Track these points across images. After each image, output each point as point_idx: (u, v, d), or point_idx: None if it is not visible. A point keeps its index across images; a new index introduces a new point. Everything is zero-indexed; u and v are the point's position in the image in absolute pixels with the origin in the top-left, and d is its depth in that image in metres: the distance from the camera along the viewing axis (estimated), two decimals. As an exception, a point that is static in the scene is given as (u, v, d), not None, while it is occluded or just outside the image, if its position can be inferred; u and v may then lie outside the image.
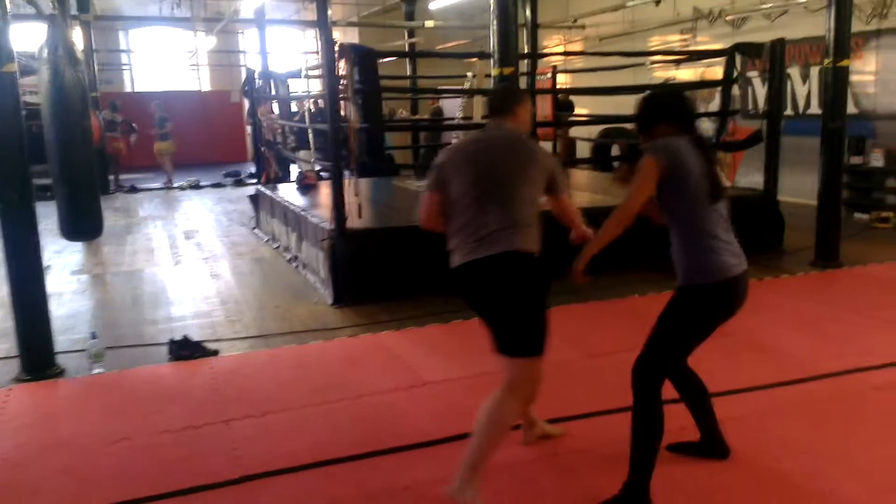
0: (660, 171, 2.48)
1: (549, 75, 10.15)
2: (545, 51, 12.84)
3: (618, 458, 2.94)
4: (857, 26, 7.10)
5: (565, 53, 12.80)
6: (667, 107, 2.69)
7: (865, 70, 8.76)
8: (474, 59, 7.93)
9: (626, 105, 9.32)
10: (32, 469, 3.02)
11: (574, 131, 11.12)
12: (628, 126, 11.81)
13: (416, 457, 3.05)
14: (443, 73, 11.75)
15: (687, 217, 2.54)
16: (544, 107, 9.29)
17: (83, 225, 4.97)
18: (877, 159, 8.59)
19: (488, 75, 5.07)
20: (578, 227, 2.95)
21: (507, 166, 2.63)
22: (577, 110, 11.19)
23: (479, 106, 7.34)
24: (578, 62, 12.86)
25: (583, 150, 12.05)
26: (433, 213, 2.73)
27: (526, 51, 10.42)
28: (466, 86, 8.35)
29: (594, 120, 11.32)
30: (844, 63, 6.02)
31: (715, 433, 2.88)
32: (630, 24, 12.40)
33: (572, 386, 3.75)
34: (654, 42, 12.08)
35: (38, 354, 4.11)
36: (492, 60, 4.93)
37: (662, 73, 11.54)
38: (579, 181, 8.95)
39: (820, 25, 6.44)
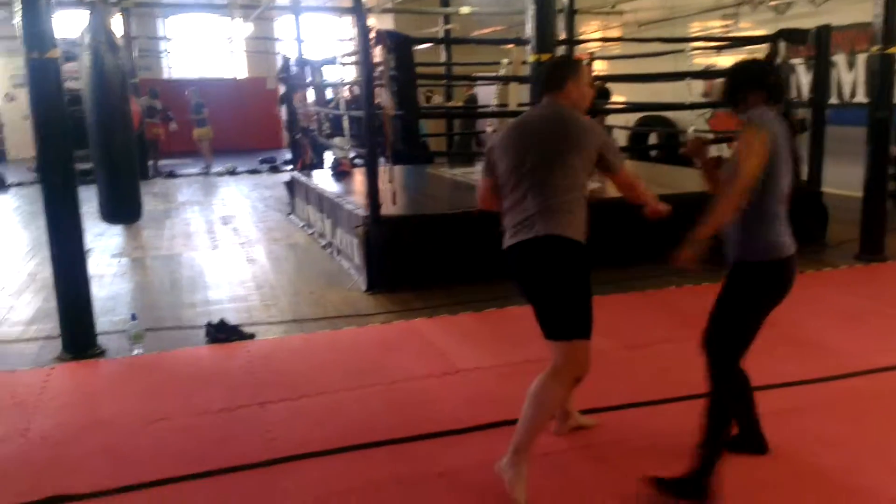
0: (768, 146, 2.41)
1: (586, 62, 10.01)
2: (582, 37, 12.66)
3: (650, 449, 2.93)
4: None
5: (603, 40, 12.62)
6: (760, 76, 2.59)
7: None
8: (510, 46, 7.84)
9: (665, 92, 9.18)
10: (73, 447, 3.09)
11: (611, 119, 10.97)
12: (666, 114, 11.67)
13: (449, 444, 3.05)
14: (478, 59, 11.66)
15: (763, 195, 2.46)
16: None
17: (123, 209, 5.06)
18: (925, 150, 8.33)
19: (525, 62, 5.02)
20: (649, 202, 2.90)
21: (546, 149, 2.59)
22: (615, 98, 11.03)
23: (514, 93, 7.27)
24: (616, 49, 12.67)
25: (620, 138, 11.89)
26: (486, 196, 2.81)
27: (563, 37, 10.29)
28: (501, 73, 8.26)
29: (631, 108, 11.15)
30: (892, 51, 5.83)
31: (755, 428, 2.82)
32: (670, 9, 12.16)
33: (606, 377, 3.70)
34: (695, 28, 11.84)
35: (79, 335, 4.20)
36: (528, 47, 4.87)
37: (703, 60, 11.31)
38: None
39: (868, 11, 6.24)
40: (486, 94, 11.44)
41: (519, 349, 4.04)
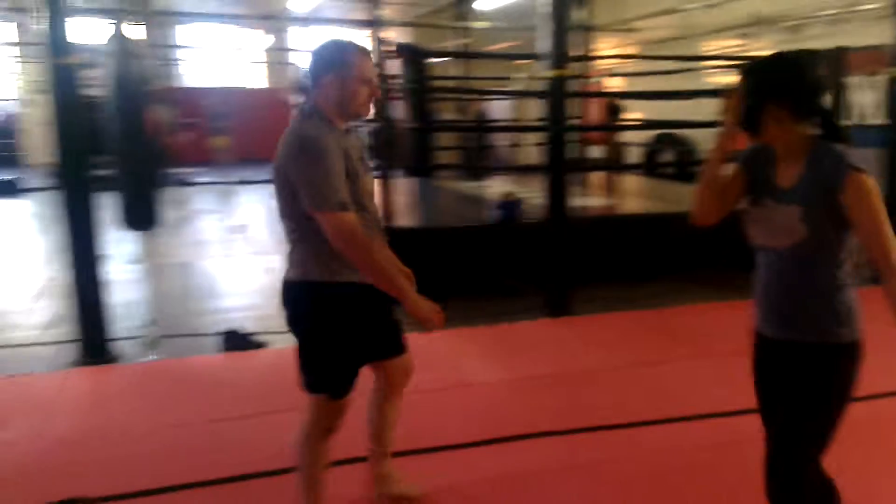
0: None
1: (600, 79, 10.06)
2: (597, 53, 12.72)
3: (643, 472, 2.93)
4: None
5: (616, 56, 12.67)
6: (785, 82, 1.83)
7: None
8: (524, 62, 7.91)
9: (679, 110, 9.21)
10: (90, 450, 3.12)
11: (625, 136, 11.00)
12: (680, 132, 11.69)
13: (455, 458, 3.06)
14: (490, 74, 11.74)
15: (841, 249, 1.84)
16: (595, 111, 9.21)
17: (141, 216, 5.13)
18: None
19: (540, 78, 5.05)
20: (404, 296, 2.27)
21: (277, 173, 2.16)
22: (630, 115, 11.07)
23: (531, 107, 7.33)
24: (630, 66, 12.72)
25: (634, 155, 11.92)
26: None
27: (577, 53, 10.35)
28: (515, 87, 8.34)
29: (644, 125, 11.19)
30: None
31: None
32: (685, 28, 12.21)
33: (605, 396, 3.72)
34: (709, 47, 11.88)
35: (95, 339, 4.25)
36: (544, 62, 4.91)
37: (717, 79, 11.34)
38: (629, 186, 8.86)
39: (883, 34, 6.25)
40: (499, 109, 11.52)
41: (531, 364, 4.05)
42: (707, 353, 4.27)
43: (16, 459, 3.01)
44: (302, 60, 14.87)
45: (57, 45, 3.96)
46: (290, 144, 2.12)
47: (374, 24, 6.11)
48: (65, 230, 4.17)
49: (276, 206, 2.22)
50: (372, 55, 2.29)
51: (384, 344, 2.44)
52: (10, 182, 12.54)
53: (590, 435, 3.26)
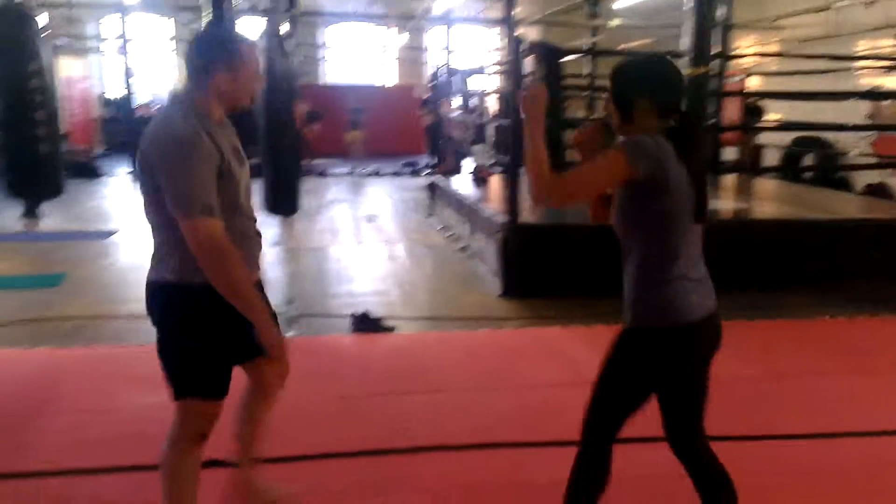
0: (631, 172, 1.92)
1: (740, 78, 9.66)
2: (737, 52, 12.19)
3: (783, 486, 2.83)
4: None
5: (760, 55, 12.08)
6: (645, 80, 2.02)
7: None
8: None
9: (824, 112, 8.69)
10: (226, 418, 3.39)
11: (763, 138, 10.50)
12: (824, 135, 11.01)
13: (572, 455, 3.08)
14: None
15: (652, 240, 2.00)
16: (733, 111, 8.87)
17: (284, 202, 5.48)
18: None
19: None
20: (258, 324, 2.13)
21: (139, 160, 2.06)
22: (770, 116, 10.55)
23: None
24: (773, 65, 12.09)
25: (772, 158, 11.35)
26: None
27: (718, 51, 9.99)
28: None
29: (784, 126, 10.63)
30: None
31: None
32: (834, 26, 11.46)
33: (743, 406, 3.62)
34: (862, 46, 11.09)
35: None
36: (682, 61, 4.82)
37: (870, 80, 10.59)
38: (766, 189, 8.46)
39: None
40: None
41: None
42: (864, 368, 4.09)
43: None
44: (434, 59, 15.21)
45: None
46: (159, 140, 2.00)
47: (508, 22, 6.19)
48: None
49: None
50: (254, 46, 2.22)
51: (252, 344, 2.18)
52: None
53: (724, 444, 3.18)
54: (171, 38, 18.02)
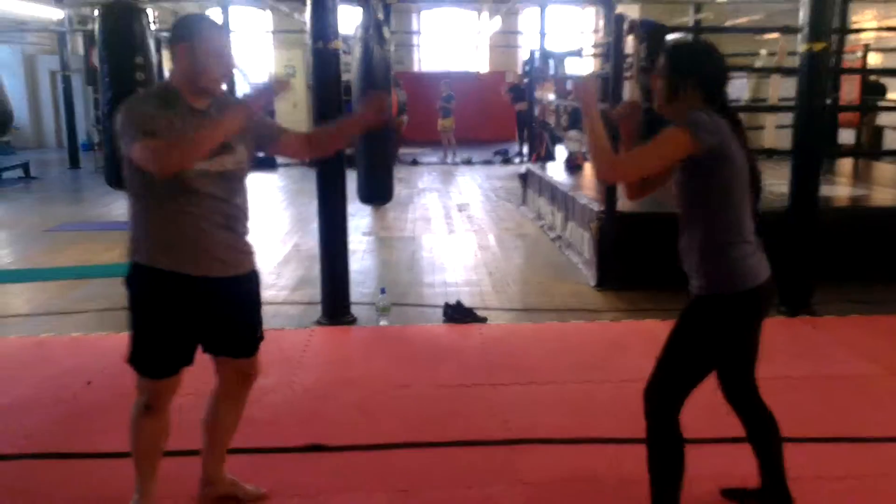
0: (694, 146, 2.05)
1: (860, 54, 9.00)
2: (856, 26, 11.38)
3: None
4: None
5: (881, 29, 11.23)
6: (696, 62, 2.17)
7: None
8: (767, 36, 7.30)
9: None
10: (330, 402, 3.44)
11: (884, 119, 9.77)
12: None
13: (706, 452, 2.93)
14: (728, 50, 10.97)
15: (719, 211, 2.14)
16: (850, 89, 8.27)
17: (377, 192, 5.52)
18: None
19: (792, 52, 4.62)
20: (344, 126, 2.51)
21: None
22: (892, 95, 9.80)
23: (775, 86, 6.76)
24: (895, 40, 11.21)
25: (893, 140, 10.55)
26: None
27: (834, 25, 9.34)
28: (758, 64, 7.72)
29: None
30: None
31: (778, 481, 2.40)
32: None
33: (867, 405, 3.36)
34: None
35: (336, 303, 4.66)
36: (798, 35, 4.49)
37: None
38: (885, 176, 7.86)
39: None
40: (738, 88, 10.75)
41: (778, 364, 3.77)
42: None
43: (271, 404, 3.39)
44: (529, 43, 14.97)
45: (321, 30, 4.32)
46: (118, 111, 2.13)
47: (606, 1, 5.97)
48: (318, 202, 4.59)
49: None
50: (224, 30, 2.23)
51: (204, 339, 2.34)
52: (270, 158, 14.03)
53: (852, 446, 3.00)
54: (270, 31, 18.56)
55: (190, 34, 2.15)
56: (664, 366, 2.25)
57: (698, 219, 2.19)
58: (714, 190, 2.12)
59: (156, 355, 2.26)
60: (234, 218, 2.25)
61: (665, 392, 2.24)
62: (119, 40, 5.62)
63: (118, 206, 9.24)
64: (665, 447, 2.24)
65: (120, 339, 4.29)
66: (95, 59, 8.18)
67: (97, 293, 5.38)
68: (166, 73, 17.84)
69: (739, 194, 2.15)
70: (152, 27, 6.70)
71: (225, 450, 2.55)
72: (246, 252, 2.33)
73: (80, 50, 14.54)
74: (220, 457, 2.54)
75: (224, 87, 2.30)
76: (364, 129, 2.48)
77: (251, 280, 2.37)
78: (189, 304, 2.22)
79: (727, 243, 2.14)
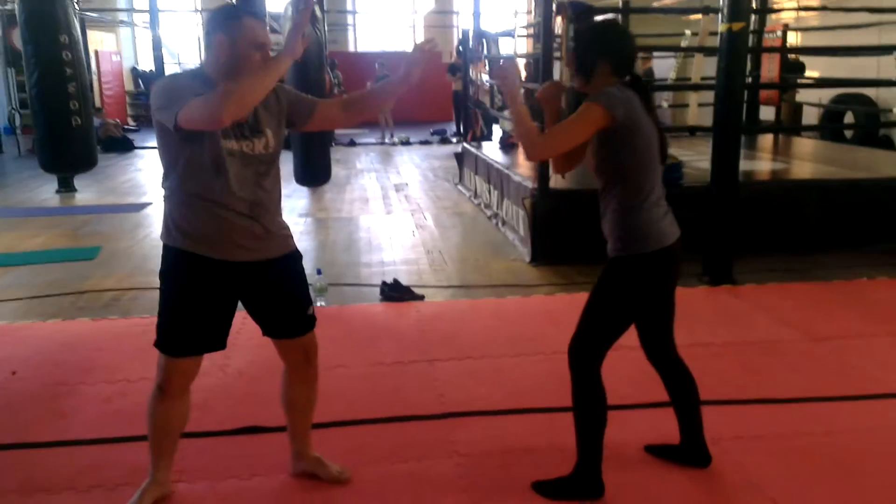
0: (609, 118, 2.22)
1: (779, 33, 9.34)
2: (776, 6, 11.79)
3: (829, 446, 2.78)
4: None
5: (799, 9, 11.67)
6: (604, 45, 2.33)
7: None
8: (693, 17, 7.51)
9: (867, 68, 8.37)
10: (266, 384, 3.37)
11: (802, 95, 10.18)
12: (866, 91, 10.63)
13: (610, 418, 3.05)
14: (656, 31, 11.23)
15: (631, 177, 2.31)
16: (771, 68, 8.60)
17: (314, 173, 5.47)
18: None
19: (713, 32, 4.78)
20: (385, 88, 2.50)
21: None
22: (808, 73, 10.21)
23: (698, 66, 6.96)
24: (813, 20, 11.67)
25: (811, 116, 11.02)
26: None
27: (755, 6, 9.66)
28: (684, 44, 7.93)
29: (824, 83, 10.29)
30: None
31: (697, 438, 2.61)
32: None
33: (784, 369, 3.55)
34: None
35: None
36: (719, 15, 4.64)
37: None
38: (804, 150, 8.22)
39: None
40: (663, 68, 11.02)
41: (699, 331, 3.94)
42: None
43: (204, 387, 3.35)
44: (463, 23, 14.95)
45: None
46: (152, 94, 2.13)
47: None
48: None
49: None
50: (263, 21, 2.21)
51: (258, 322, 2.40)
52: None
53: (769, 407, 3.15)
54: (198, 10, 18.03)
55: (228, 26, 2.11)
56: (584, 323, 2.41)
57: (612, 185, 2.34)
58: (626, 158, 2.28)
59: (173, 332, 2.25)
60: (259, 204, 2.22)
61: (586, 347, 2.40)
62: (42, 19, 5.39)
63: (43, 192, 8.89)
64: (588, 397, 2.41)
65: (45, 328, 4.23)
66: (16, 41, 7.85)
67: (22, 281, 5.21)
68: (91, 54, 17.04)
69: (650, 162, 2.31)
70: (76, 6, 6.46)
71: (306, 428, 2.59)
72: (277, 235, 2.31)
73: (-2, 29, 13.84)
74: (302, 434, 2.59)
75: None
76: (405, 89, 2.41)
77: (288, 261, 2.36)
78: (215, 286, 2.23)
79: (639, 207, 2.30)
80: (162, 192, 2.26)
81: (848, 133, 10.72)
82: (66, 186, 8.90)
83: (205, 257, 2.19)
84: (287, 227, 2.39)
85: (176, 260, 2.22)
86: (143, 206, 8.12)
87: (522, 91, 2.28)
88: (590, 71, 2.31)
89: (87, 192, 9.07)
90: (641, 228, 2.31)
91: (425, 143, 14.59)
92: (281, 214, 2.36)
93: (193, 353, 2.30)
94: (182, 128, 2.00)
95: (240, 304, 2.38)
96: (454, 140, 14.10)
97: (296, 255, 2.42)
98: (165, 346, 2.27)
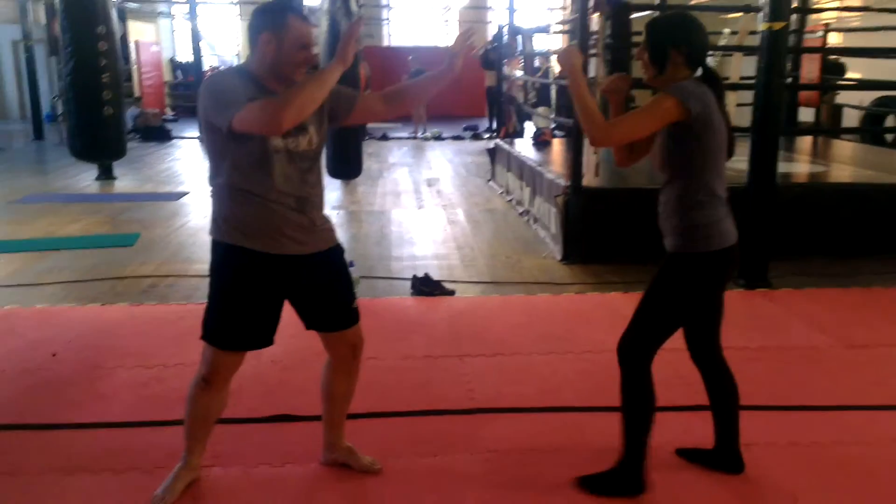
0: (682, 112, 2.18)
1: (820, 33, 9.16)
2: (817, 6, 11.56)
3: (864, 457, 2.74)
4: None
5: (841, 9, 11.43)
6: (678, 34, 2.27)
7: None
8: (731, 15, 7.40)
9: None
10: (298, 372, 3.46)
11: (843, 97, 9.98)
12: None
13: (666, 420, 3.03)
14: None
15: (698, 174, 2.27)
16: (811, 69, 8.44)
17: (346, 166, 5.51)
18: None
19: (753, 32, 4.71)
20: (427, 80, 2.48)
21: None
22: (849, 74, 10.00)
23: (737, 65, 6.86)
24: (855, 20, 11.42)
25: (851, 119, 10.79)
26: None
27: (796, 5, 9.48)
28: (721, 42, 7.82)
29: (866, 85, 10.06)
30: None
31: (732, 444, 2.58)
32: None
33: (819, 376, 3.50)
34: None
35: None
36: (759, 14, 4.57)
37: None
38: (844, 153, 8.07)
39: None
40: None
41: (734, 335, 3.88)
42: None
43: (238, 375, 3.40)
44: (498, 18, 14.90)
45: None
46: (203, 87, 2.14)
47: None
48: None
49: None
50: (309, 20, 2.21)
51: (303, 316, 2.42)
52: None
53: (804, 414, 3.11)
54: (236, 3, 18.22)
55: (274, 24, 2.13)
56: (637, 319, 2.38)
57: (678, 180, 2.30)
58: (696, 154, 2.25)
59: (223, 326, 2.28)
60: (305, 199, 2.25)
61: (638, 344, 2.37)
62: (81, 9, 5.50)
63: (83, 178, 9.10)
64: (637, 395, 2.37)
65: (84, 312, 4.33)
66: (58, 29, 8.02)
67: (62, 265, 5.34)
68: (131, 44, 17.34)
69: (718, 160, 2.29)
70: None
71: (342, 419, 2.62)
72: (321, 229, 2.35)
73: (43, 19, 14.15)
74: (337, 425, 2.62)
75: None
76: (449, 80, 2.44)
77: (334, 254, 2.40)
78: (266, 281, 2.25)
79: (704, 204, 2.27)
80: (209, 188, 2.30)
81: (889, 137, 10.50)
82: (105, 174, 9.09)
83: (255, 251, 2.21)
84: (330, 221, 2.43)
85: (226, 255, 2.25)
86: (181, 195, 8.26)
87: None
88: (662, 61, 2.26)
89: (125, 179, 9.26)
90: (706, 226, 2.28)
91: (458, 138, 14.59)
92: (324, 209, 2.40)
93: (242, 348, 2.33)
94: (234, 130, 2.04)
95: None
96: (486, 136, 14.08)
97: (340, 249, 2.45)
98: (215, 339, 2.30)
